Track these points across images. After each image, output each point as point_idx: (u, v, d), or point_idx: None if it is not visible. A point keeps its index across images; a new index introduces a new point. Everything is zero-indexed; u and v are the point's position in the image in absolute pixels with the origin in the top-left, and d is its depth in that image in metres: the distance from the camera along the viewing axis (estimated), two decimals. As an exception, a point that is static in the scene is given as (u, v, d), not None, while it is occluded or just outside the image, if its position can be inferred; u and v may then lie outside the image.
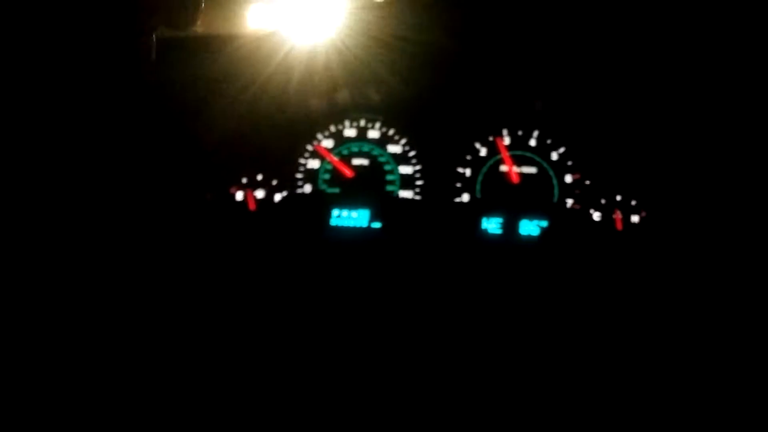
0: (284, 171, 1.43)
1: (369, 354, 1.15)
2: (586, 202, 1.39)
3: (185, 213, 1.34)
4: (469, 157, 1.42)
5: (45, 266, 1.13)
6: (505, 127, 1.42)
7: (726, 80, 1.27)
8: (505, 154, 1.42)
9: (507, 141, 1.42)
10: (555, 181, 1.41)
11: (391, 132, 1.44)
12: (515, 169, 1.42)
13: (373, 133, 1.44)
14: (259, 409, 1.08)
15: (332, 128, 1.44)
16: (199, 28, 1.42)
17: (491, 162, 1.42)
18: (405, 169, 1.44)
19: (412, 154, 1.43)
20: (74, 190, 1.19)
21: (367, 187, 1.44)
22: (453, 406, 1.08)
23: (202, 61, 1.30)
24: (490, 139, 1.43)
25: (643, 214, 1.37)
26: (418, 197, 1.43)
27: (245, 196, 1.42)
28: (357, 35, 1.30)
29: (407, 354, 1.15)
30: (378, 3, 1.28)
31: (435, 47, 1.31)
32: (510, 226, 1.40)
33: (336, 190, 1.44)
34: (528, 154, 1.42)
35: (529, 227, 1.40)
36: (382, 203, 1.42)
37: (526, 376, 1.13)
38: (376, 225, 1.42)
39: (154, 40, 1.15)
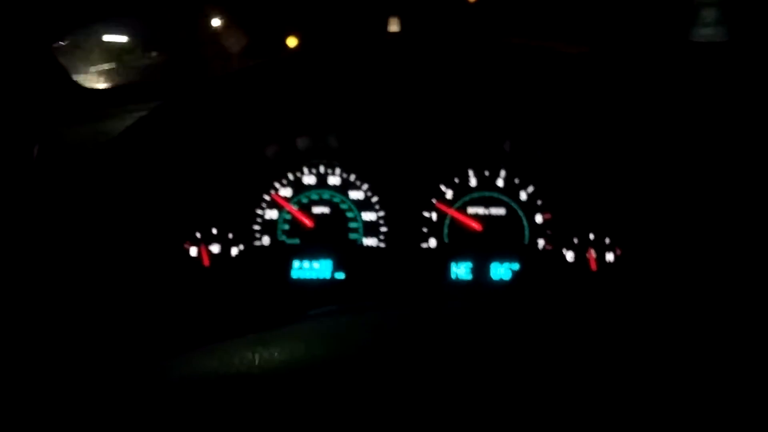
0: (240, 223, 1.36)
1: (332, 416, 1.07)
2: (559, 242, 1.33)
3: (137, 270, 1.26)
4: (434, 201, 1.36)
5: None
6: (470, 168, 1.36)
7: (698, 115, 1.24)
8: (452, 213, 1.36)
9: (473, 182, 1.36)
10: (525, 222, 1.35)
11: (352, 177, 1.37)
12: (481, 211, 1.35)
13: (334, 180, 1.38)
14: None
15: (290, 176, 1.37)
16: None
17: (458, 204, 1.36)
18: (368, 216, 1.37)
19: (375, 199, 1.37)
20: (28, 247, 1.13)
21: (329, 236, 1.37)
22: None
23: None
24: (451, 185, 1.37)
25: (618, 252, 1.31)
26: (382, 244, 1.36)
27: (199, 252, 1.34)
28: (313, 78, 1.26)
29: (376, 414, 1.07)
30: (334, 47, 1.23)
31: (396, 89, 1.26)
32: (480, 271, 1.34)
33: (296, 241, 1.37)
34: (496, 195, 1.36)
35: (500, 271, 1.34)
36: (346, 252, 1.35)
37: (500, 426, 1.05)
38: (340, 275, 1.35)
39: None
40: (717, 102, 1.21)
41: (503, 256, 1.34)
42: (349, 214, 1.37)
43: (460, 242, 1.36)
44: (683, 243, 1.23)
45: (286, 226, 1.37)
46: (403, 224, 1.36)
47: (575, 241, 1.33)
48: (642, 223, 1.29)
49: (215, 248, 1.35)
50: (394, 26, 2.22)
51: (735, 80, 1.22)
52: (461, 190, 1.37)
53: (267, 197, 1.37)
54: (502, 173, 1.37)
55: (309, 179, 1.38)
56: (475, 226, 1.35)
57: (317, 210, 1.37)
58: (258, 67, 1.15)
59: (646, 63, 1.28)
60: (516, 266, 1.33)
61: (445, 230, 1.36)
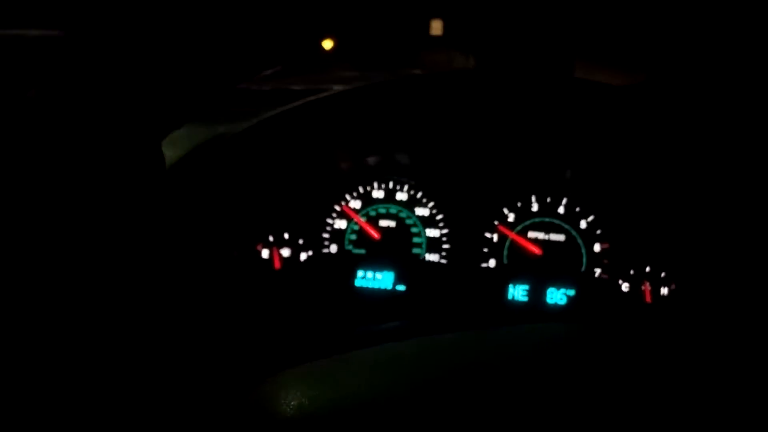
0: (311, 230, 1.44)
1: (387, 422, 1.13)
2: (615, 272, 1.37)
3: (210, 269, 1.34)
4: (496, 222, 1.41)
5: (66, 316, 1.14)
6: (533, 194, 1.41)
7: (758, 151, 1.26)
8: (513, 236, 1.41)
9: (535, 207, 1.41)
10: (583, 250, 1.39)
11: (419, 195, 1.44)
12: (540, 236, 1.40)
13: (401, 195, 1.45)
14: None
15: (360, 189, 1.45)
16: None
17: (519, 228, 1.41)
18: (432, 232, 1.43)
19: (439, 217, 1.43)
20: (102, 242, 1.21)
21: (394, 249, 1.43)
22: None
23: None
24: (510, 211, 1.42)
25: (673, 286, 1.34)
26: (444, 261, 1.42)
27: (271, 254, 1.42)
28: (388, 98, 1.33)
29: (429, 424, 1.12)
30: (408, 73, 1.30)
31: (466, 113, 1.32)
32: (536, 294, 1.38)
33: (362, 251, 1.44)
34: (556, 222, 1.40)
35: (556, 296, 1.38)
36: (408, 266, 1.42)
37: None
38: (401, 288, 1.41)
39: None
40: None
41: (560, 282, 1.38)
42: (414, 230, 1.44)
43: (519, 265, 1.40)
44: (739, 281, 1.25)
45: (354, 237, 1.44)
46: (465, 243, 1.42)
47: (631, 272, 1.36)
48: (698, 260, 1.31)
49: (286, 252, 1.43)
50: (436, 29, 2.22)
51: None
52: (523, 214, 1.42)
53: (338, 208, 1.45)
54: (564, 201, 1.41)
55: (378, 194, 1.45)
56: (535, 250, 1.40)
57: (384, 223, 1.44)
58: (344, 94, 1.23)
59: (705, 93, 1.30)
60: (572, 292, 1.37)
61: (505, 252, 1.41)
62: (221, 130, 1.30)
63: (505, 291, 1.38)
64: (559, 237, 1.41)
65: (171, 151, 1.27)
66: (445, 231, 1.43)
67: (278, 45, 1.25)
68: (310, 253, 1.43)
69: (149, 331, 1.19)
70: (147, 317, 1.22)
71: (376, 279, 1.41)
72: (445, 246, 1.43)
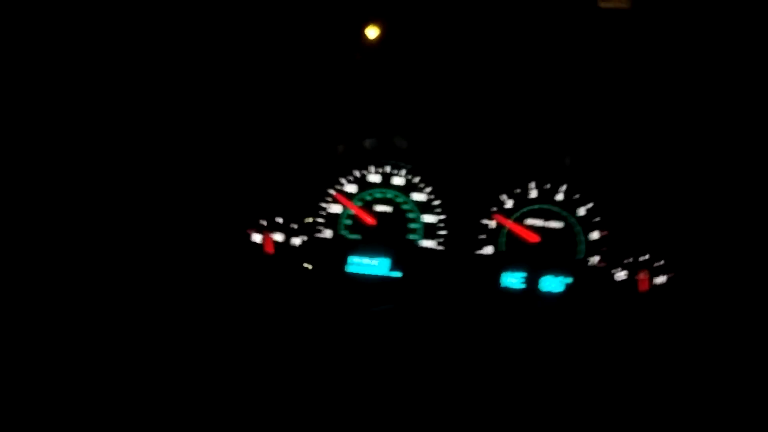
0: (305, 215, 1.40)
1: (380, 407, 1.11)
2: (612, 260, 1.36)
3: (202, 253, 1.31)
4: (494, 209, 1.39)
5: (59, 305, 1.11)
6: (532, 180, 1.39)
7: (756, 141, 1.25)
8: (509, 224, 1.40)
9: (534, 194, 1.39)
10: (581, 237, 1.37)
11: (416, 180, 1.41)
12: (538, 223, 1.39)
13: (398, 180, 1.42)
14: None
15: (356, 173, 1.42)
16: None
17: (517, 215, 1.39)
18: (428, 218, 1.41)
19: (436, 203, 1.40)
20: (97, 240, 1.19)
21: (389, 234, 1.40)
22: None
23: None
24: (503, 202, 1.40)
25: (671, 275, 1.34)
26: (440, 247, 1.40)
27: (263, 239, 1.38)
28: (386, 83, 1.30)
29: (420, 407, 1.11)
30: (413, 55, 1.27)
31: (468, 96, 1.30)
32: (532, 282, 1.37)
33: (357, 237, 1.41)
34: (554, 209, 1.39)
35: (552, 283, 1.36)
36: (404, 252, 1.39)
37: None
38: (396, 274, 1.38)
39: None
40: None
41: (556, 269, 1.36)
42: (410, 215, 1.41)
43: (515, 252, 1.39)
44: (737, 273, 1.25)
45: (349, 222, 1.41)
46: (462, 229, 1.39)
47: (629, 260, 1.35)
48: (697, 250, 1.31)
49: (279, 237, 1.39)
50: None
51: None
52: (521, 201, 1.40)
53: (332, 191, 1.41)
54: (563, 188, 1.40)
55: (374, 178, 1.42)
56: (532, 237, 1.38)
57: (380, 208, 1.41)
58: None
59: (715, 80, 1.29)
60: (568, 280, 1.36)
61: (502, 239, 1.39)
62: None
63: (500, 278, 1.36)
64: (557, 224, 1.39)
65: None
66: (442, 217, 1.40)
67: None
68: (304, 238, 1.40)
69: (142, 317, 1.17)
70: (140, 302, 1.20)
71: (371, 265, 1.38)
72: (442, 232, 1.40)
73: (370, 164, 1.42)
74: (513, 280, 1.37)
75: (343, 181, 1.41)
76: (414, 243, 1.40)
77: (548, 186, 1.40)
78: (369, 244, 1.39)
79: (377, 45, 1.29)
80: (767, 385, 1.11)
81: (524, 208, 1.40)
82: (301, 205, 1.40)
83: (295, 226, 1.39)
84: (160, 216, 1.29)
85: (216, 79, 1.32)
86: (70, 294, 1.15)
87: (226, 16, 1.25)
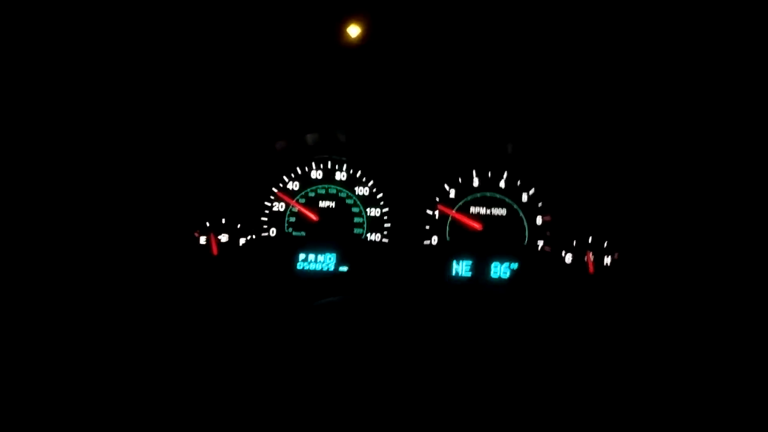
0: (249, 214, 1.40)
1: (332, 402, 1.10)
2: (558, 244, 1.37)
3: (148, 257, 1.30)
4: (437, 199, 1.40)
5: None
6: (474, 168, 1.40)
7: (697, 119, 1.26)
8: (452, 214, 1.40)
9: (476, 182, 1.40)
10: (525, 223, 1.38)
11: (358, 174, 1.41)
12: (482, 211, 1.39)
13: (340, 175, 1.42)
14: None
15: (298, 170, 1.41)
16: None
17: (460, 204, 1.39)
18: (373, 212, 1.41)
19: (379, 196, 1.41)
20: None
21: (334, 230, 1.40)
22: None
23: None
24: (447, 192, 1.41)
25: (616, 255, 1.34)
26: (386, 240, 1.40)
27: (208, 240, 1.38)
28: (324, 76, 1.30)
29: (374, 402, 1.10)
30: (347, 46, 1.27)
31: (405, 87, 1.30)
32: (480, 269, 1.37)
33: (302, 234, 1.41)
34: (498, 196, 1.39)
35: (500, 270, 1.37)
36: (350, 246, 1.39)
37: (493, 424, 1.08)
38: (344, 268, 1.38)
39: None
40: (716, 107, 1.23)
41: (503, 256, 1.37)
42: (355, 209, 1.41)
43: (461, 241, 1.39)
44: (679, 248, 1.26)
45: (293, 219, 1.41)
46: (407, 221, 1.39)
47: (574, 243, 1.36)
48: (640, 228, 1.31)
49: (224, 238, 1.39)
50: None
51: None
52: (464, 189, 1.40)
53: (275, 189, 1.41)
54: (505, 175, 1.40)
55: (316, 174, 1.42)
56: (476, 225, 1.38)
57: (323, 204, 1.41)
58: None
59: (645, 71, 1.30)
60: (515, 266, 1.36)
61: (447, 228, 1.40)
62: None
63: (448, 267, 1.37)
64: (501, 211, 1.39)
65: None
66: (385, 210, 1.40)
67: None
68: (250, 237, 1.39)
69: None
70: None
71: (318, 261, 1.38)
72: (387, 225, 1.40)
73: (311, 161, 1.42)
74: (461, 268, 1.37)
75: (285, 178, 1.41)
76: (359, 237, 1.40)
77: (490, 174, 1.40)
78: (315, 241, 1.39)
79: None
80: (715, 358, 1.12)
81: (467, 196, 1.40)
82: (244, 205, 1.40)
83: (240, 226, 1.39)
84: (104, 221, 1.28)
85: (159, 81, 1.32)
86: (20, 295, 1.14)
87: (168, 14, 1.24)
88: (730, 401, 1.08)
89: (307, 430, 1.06)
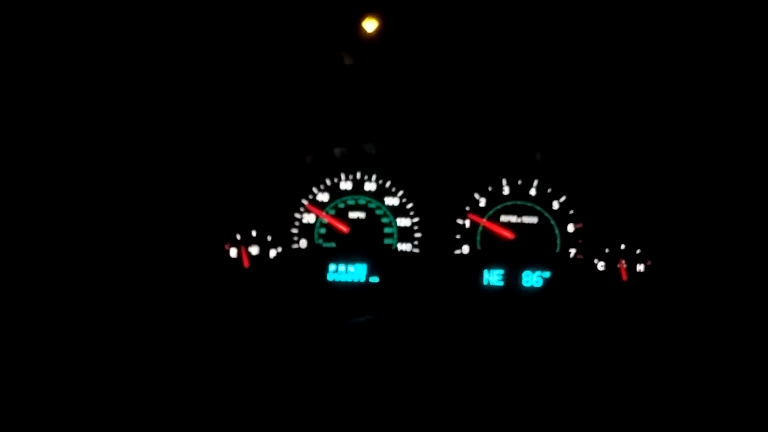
0: (279, 226, 1.40)
1: (367, 412, 1.10)
2: (590, 252, 1.35)
3: (179, 270, 1.31)
4: (467, 208, 1.39)
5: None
6: (504, 177, 1.39)
7: (725, 131, 1.25)
8: (483, 223, 1.39)
9: (507, 191, 1.39)
10: (557, 231, 1.37)
11: (387, 184, 1.41)
12: (513, 220, 1.38)
13: (370, 186, 1.41)
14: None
15: (327, 181, 1.41)
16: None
17: (491, 212, 1.39)
18: (403, 222, 1.40)
19: (409, 206, 1.40)
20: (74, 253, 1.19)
21: (365, 240, 1.40)
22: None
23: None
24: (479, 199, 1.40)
25: (649, 262, 1.33)
26: (416, 250, 1.39)
27: (239, 253, 1.38)
28: (350, 89, 1.30)
29: (408, 415, 1.10)
30: (373, 56, 1.27)
31: (433, 96, 1.30)
32: (512, 278, 1.36)
33: (332, 245, 1.40)
34: (529, 204, 1.38)
35: (532, 279, 1.36)
36: (380, 257, 1.39)
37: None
38: (374, 279, 1.38)
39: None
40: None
41: (535, 265, 1.36)
42: (384, 220, 1.41)
43: (492, 249, 1.38)
44: (712, 255, 1.24)
45: (323, 230, 1.41)
46: (437, 231, 1.39)
47: (606, 251, 1.35)
48: (673, 235, 1.30)
49: (254, 250, 1.39)
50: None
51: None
52: (494, 198, 1.39)
53: (305, 201, 1.41)
54: (535, 182, 1.39)
55: (346, 185, 1.42)
56: (508, 234, 1.37)
57: (353, 215, 1.41)
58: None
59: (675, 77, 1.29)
60: (547, 274, 1.35)
61: (478, 237, 1.39)
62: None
63: (480, 277, 1.36)
64: (532, 219, 1.39)
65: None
66: (416, 220, 1.40)
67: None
68: (280, 249, 1.39)
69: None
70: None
71: (348, 272, 1.38)
72: (417, 235, 1.40)
73: (341, 172, 1.42)
74: (493, 277, 1.36)
75: (315, 190, 1.41)
76: (390, 247, 1.40)
77: (520, 182, 1.40)
78: (345, 252, 1.39)
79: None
80: (749, 367, 1.11)
81: (498, 205, 1.39)
82: (274, 217, 1.40)
83: (270, 238, 1.39)
84: (136, 234, 1.28)
85: (189, 94, 1.32)
86: (47, 305, 1.15)
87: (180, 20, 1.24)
88: (764, 408, 1.06)
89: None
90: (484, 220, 1.38)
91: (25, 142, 1.17)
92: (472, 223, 1.39)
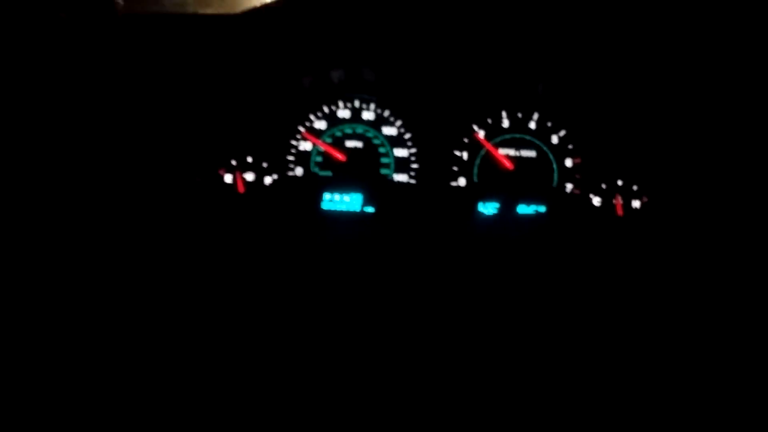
0: (275, 153, 1.38)
1: (362, 341, 1.12)
2: (587, 186, 1.35)
3: (173, 195, 1.30)
4: (466, 140, 1.38)
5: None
6: (504, 109, 1.37)
7: (729, 66, 1.23)
8: (489, 147, 1.38)
9: (506, 123, 1.38)
10: (555, 165, 1.36)
11: (386, 113, 1.39)
12: (512, 153, 1.37)
13: (368, 115, 1.40)
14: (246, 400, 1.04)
15: (325, 109, 1.39)
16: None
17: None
18: (400, 152, 1.39)
19: (407, 136, 1.39)
20: (65, 177, 1.18)
21: (361, 170, 1.39)
22: (449, 395, 1.05)
23: (185, 39, 1.27)
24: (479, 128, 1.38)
25: (645, 199, 1.33)
26: (413, 181, 1.38)
27: (234, 179, 1.37)
28: (351, 12, 1.27)
29: (402, 341, 1.11)
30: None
31: (435, 24, 1.27)
32: (507, 210, 1.36)
33: (328, 173, 1.40)
34: (527, 137, 1.37)
35: (527, 212, 1.36)
36: (376, 187, 1.38)
37: (521, 364, 1.09)
38: (370, 209, 1.38)
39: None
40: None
41: (531, 198, 1.35)
42: (382, 150, 1.39)
43: (489, 182, 1.38)
44: (710, 192, 1.24)
45: (320, 158, 1.40)
46: (435, 162, 1.38)
47: (603, 186, 1.34)
48: (670, 174, 1.30)
49: (250, 176, 1.38)
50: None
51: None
52: (493, 130, 1.38)
53: (302, 128, 1.39)
54: (535, 116, 1.38)
55: (344, 113, 1.40)
56: (507, 164, 1.37)
57: (350, 144, 1.40)
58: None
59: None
60: (543, 208, 1.35)
61: (475, 170, 1.38)
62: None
63: (475, 209, 1.36)
64: (531, 153, 1.38)
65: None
66: (413, 150, 1.39)
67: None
68: (275, 176, 1.38)
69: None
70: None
71: (343, 201, 1.37)
72: (414, 165, 1.39)
73: (339, 99, 1.39)
74: (488, 209, 1.36)
75: (312, 117, 1.39)
76: (386, 177, 1.39)
77: (520, 115, 1.38)
78: (341, 181, 1.38)
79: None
80: (742, 307, 1.12)
81: (497, 137, 1.38)
82: (270, 144, 1.38)
83: (266, 165, 1.37)
84: (128, 158, 1.27)
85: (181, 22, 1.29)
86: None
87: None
88: (758, 352, 1.08)
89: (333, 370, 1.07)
90: (490, 144, 1.37)
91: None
92: (470, 155, 1.38)
